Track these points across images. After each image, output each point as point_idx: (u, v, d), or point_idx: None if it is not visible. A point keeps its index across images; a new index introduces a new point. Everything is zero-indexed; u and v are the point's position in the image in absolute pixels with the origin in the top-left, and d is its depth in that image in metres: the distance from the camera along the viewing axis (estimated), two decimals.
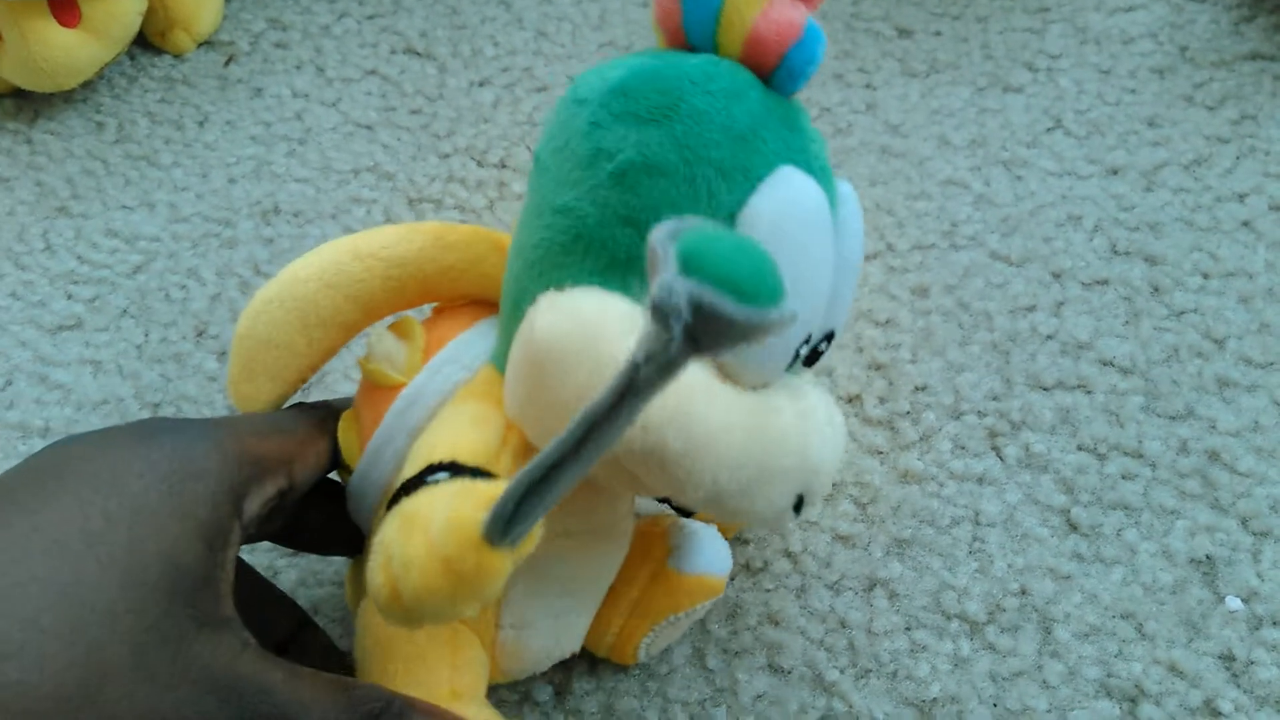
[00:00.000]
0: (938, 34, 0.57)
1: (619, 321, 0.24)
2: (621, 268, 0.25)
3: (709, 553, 0.34)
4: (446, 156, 0.52)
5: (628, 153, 0.25)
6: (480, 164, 0.52)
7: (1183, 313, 0.45)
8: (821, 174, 0.27)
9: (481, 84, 0.56)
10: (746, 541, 0.40)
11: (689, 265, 0.16)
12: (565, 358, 0.23)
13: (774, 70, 0.26)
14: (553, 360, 0.24)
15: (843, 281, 0.28)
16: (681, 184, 0.25)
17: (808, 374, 0.29)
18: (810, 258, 0.25)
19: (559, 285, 0.25)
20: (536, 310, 0.24)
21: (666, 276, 0.16)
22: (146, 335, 0.47)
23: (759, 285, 0.17)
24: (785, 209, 0.25)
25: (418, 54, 0.57)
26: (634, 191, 0.25)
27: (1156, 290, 0.46)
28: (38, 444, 0.43)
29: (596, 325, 0.24)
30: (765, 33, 0.25)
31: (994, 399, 0.43)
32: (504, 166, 0.52)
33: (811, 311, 0.26)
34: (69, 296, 0.48)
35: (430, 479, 0.24)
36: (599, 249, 0.25)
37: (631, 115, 0.25)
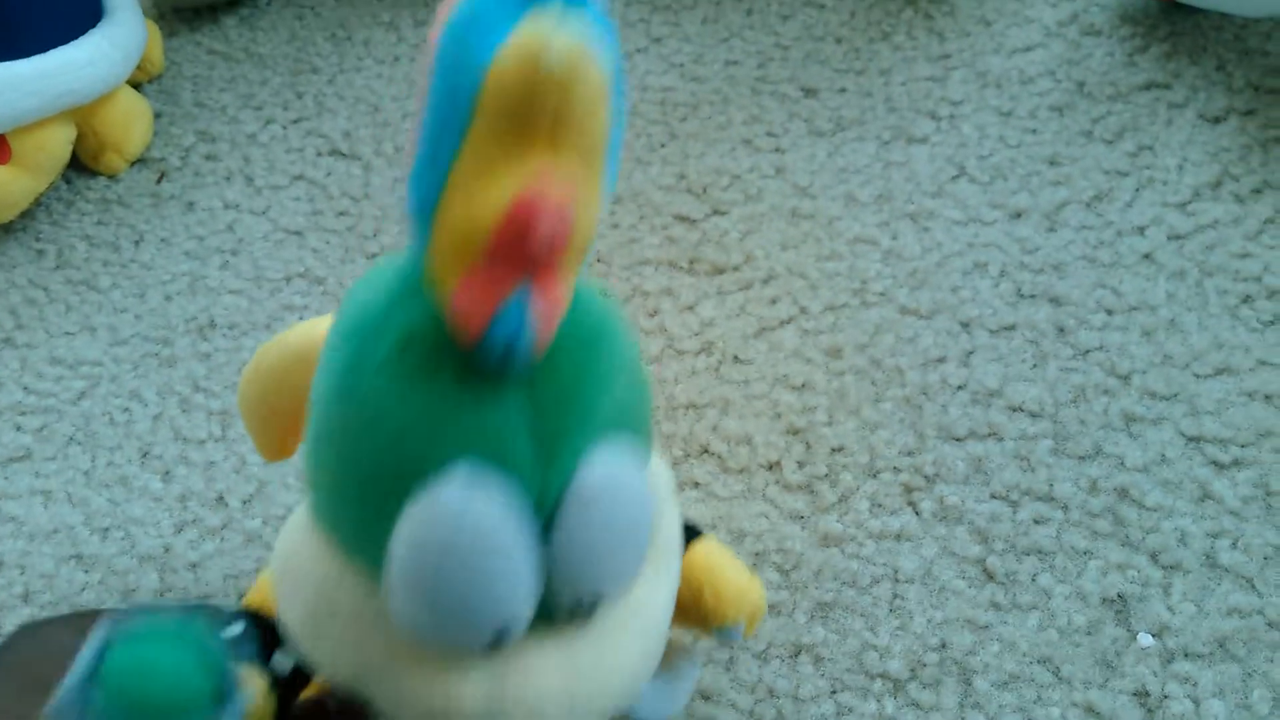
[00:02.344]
0: (843, 90, 0.59)
1: None
2: None
3: (649, 700, 0.34)
4: (373, 256, 0.54)
5: None
6: None
7: (1088, 351, 0.47)
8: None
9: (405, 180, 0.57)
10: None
11: (105, 675, 0.19)
12: None
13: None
14: None
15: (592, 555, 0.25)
16: None
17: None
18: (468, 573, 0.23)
19: None
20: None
21: (70, 684, 0.19)
22: (93, 461, 0.48)
23: (173, 706, 0.19)
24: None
25: (343, 155, 0.59)
26: None
27: (1062, 331, 0.47)
28: None
29: None
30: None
31: (908, 454, 0.44)
32: None
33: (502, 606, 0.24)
34: (17, 428, 0.50)
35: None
36: None
37: None
